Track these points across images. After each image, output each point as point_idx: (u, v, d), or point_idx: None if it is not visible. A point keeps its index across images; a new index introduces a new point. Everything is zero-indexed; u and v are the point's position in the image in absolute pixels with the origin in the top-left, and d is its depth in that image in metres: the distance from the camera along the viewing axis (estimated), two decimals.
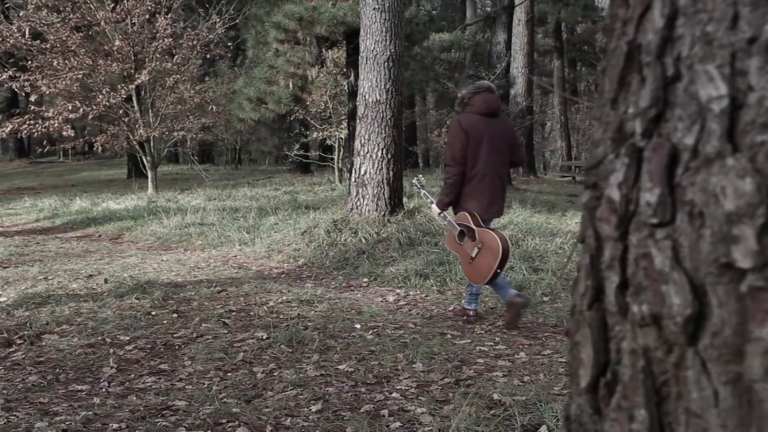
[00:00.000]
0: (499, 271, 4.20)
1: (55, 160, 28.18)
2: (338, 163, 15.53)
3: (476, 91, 4.42)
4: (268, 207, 10.11)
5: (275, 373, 3.45)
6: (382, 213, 7.15)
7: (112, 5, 15.35)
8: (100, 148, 15.93)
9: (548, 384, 3.26)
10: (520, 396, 3.06)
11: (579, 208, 11.99)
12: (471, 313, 4.57)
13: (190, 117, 15.79)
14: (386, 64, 7.12)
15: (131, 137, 14.71)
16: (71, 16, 15.09)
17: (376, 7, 7.09)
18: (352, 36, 10.24)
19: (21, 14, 15.79)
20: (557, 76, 23.63)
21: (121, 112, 14.71)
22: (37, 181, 20.60)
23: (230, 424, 2.79)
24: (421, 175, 5.26)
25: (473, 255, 4.34)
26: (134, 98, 14.79)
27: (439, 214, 4.57)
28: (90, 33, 15.84)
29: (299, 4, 9.73)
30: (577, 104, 26.40)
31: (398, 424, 2.81)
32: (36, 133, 14.32)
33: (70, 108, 14.40)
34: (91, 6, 15.18)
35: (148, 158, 14.65)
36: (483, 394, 3.08)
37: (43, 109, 15.10)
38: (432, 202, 4.64)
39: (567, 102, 23.77)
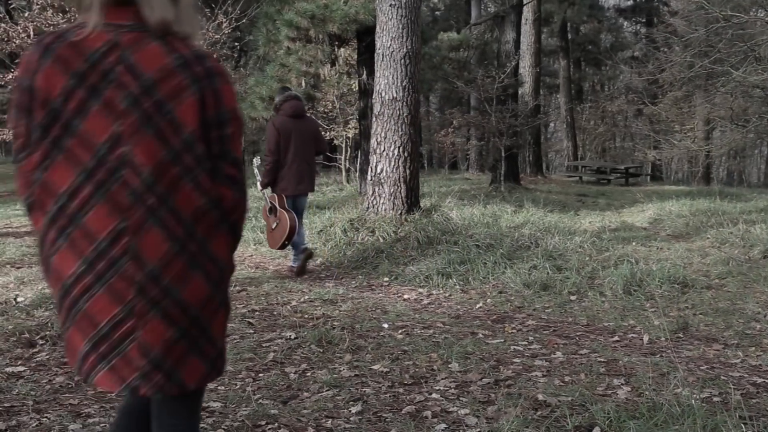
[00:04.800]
0: (287, 242, 5.67)
1: None
2: (345, 163, 15.43)
3: (285, 99, 5.88)
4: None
5: (308, 374, 3.36)
6: (399, 212, 7.06)
7: None
8: None
9: (591, 384, 3.16)
10: (565, 396, 2.97)
11: (591, 207, 11.92)
12: (294, 270, 5.92)
13: None
14: (403, 61, 7.03)
15: None
16: (77, 16, 15.01)
17: (393, 3, 7.00)
18: (363, 34, 10.16)
19: (26, 15, 15.70)
20: (563, 75, 23.56)
21: None
22: None
23: (270, 426, 2.70)
24: (258, 157, 6.31)
25: (273, 227, 5.77)
26: None
27: (261, 191, 5.94)
28: None
29: (311, 2, 9.64)
30: (581, 104, 26.33)
31: (443, 425, 2.72)
32: None
33: None
34: None
35: None
36: (526, 395, 2.99)
37: None
38: (259, 181, 5.91)
39: (573, 102, 23.69)
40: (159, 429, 1.55)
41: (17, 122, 1.40)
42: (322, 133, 6.74)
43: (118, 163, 1.37)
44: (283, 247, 5.77)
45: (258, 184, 5.97)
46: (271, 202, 5.82)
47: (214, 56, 1.47)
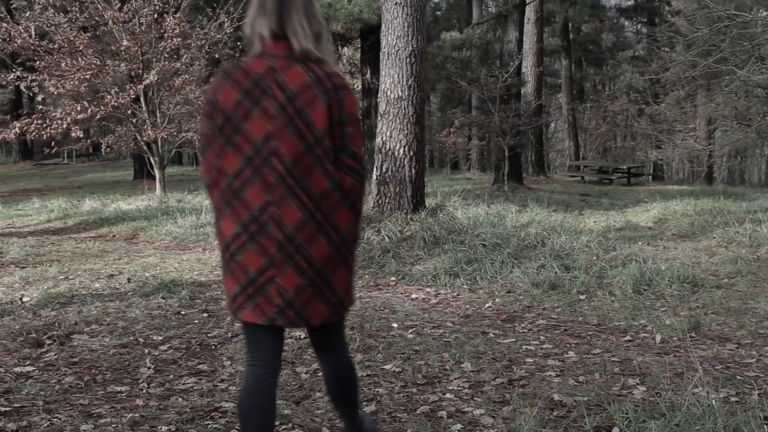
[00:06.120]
0: None
1: (59, 161, 28.03)
2: None
3: None
4: None
5: (319, 374, 3.32)
6: (405, 211, 7.02)
7: (120, 5, 15.23)
8: (107, 149, 15.77)
9: (606, 384, 3.13)
10: (581, 396, 2.94)
11: (594, 206, 11.89)
12: None
13: (197, 118, 15.65)
14: (408, 59, 6.99)
15: (139, 138, 14.57)
16: (78, 16, 14.95)
17: (398, 2, 6.96)
18: (367, 33, 10.14)
19: (27, 15, 15.66)
20: (564, 75, 23.53)
21: (129, 112, 14.57)
22: (42, 182, 20.46)
23: (284, 427, 2.67)
24: None
25: None
26: (142, 99, 14.64)
27: None
28: (97, 33, 15.70)
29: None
30: (583, 104, 26.29)
31: (459, 426, 2.69)
32: (45, 135, 14.14)
33: (78, 108, 14.24)
34: (99, 6, 15.05)
35: (156, 159, 14.50)
36: (541, 395, 2.96)
37: (50, 110, 14.95)
38: None
39: (575, 102, 23.66)
40: (319, 349, 2.18)
41: (205, 125, 1.92)
42: None
43: (269, 153, 1.87)
44: None
45: None
46: None
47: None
